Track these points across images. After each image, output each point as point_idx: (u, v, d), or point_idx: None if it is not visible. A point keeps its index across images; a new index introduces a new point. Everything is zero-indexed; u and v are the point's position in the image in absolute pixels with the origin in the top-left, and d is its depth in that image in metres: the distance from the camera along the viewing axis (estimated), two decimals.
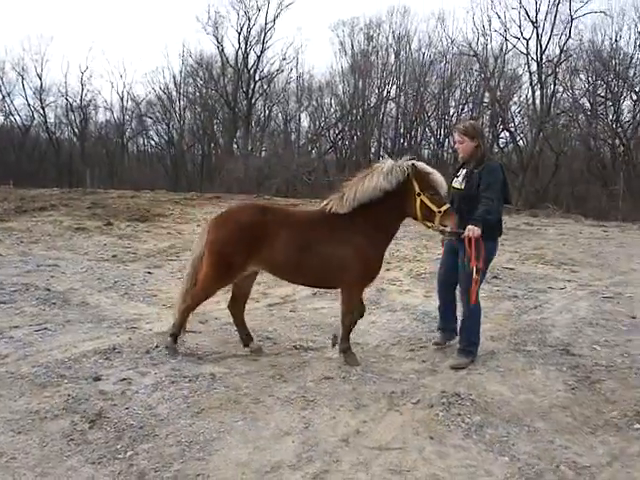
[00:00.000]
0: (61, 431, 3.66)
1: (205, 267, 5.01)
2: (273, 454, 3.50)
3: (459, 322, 5.42)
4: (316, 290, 7.56)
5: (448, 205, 4.78)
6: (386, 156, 5.38)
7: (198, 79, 40.24)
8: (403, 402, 4.27)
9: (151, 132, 44.28)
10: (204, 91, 40.20)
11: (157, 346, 5.26)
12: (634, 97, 28.94)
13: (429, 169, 4.84)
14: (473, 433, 3.84)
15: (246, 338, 5.32)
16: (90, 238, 11.54)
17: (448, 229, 4.79)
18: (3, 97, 40.93)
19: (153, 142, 45.24)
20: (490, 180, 4.91)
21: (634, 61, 28.91)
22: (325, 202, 4.99)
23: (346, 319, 5.04)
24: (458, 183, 5.18)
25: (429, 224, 4.80)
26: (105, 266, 8.85)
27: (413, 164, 4.77)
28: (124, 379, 4.50)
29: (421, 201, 4.73)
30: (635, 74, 29.04)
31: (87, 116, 42.67)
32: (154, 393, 4.28)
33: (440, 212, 4.70)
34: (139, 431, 3.70)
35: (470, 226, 4.76)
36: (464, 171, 5.16)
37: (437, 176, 4.78)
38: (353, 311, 5.07)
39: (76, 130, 42.80)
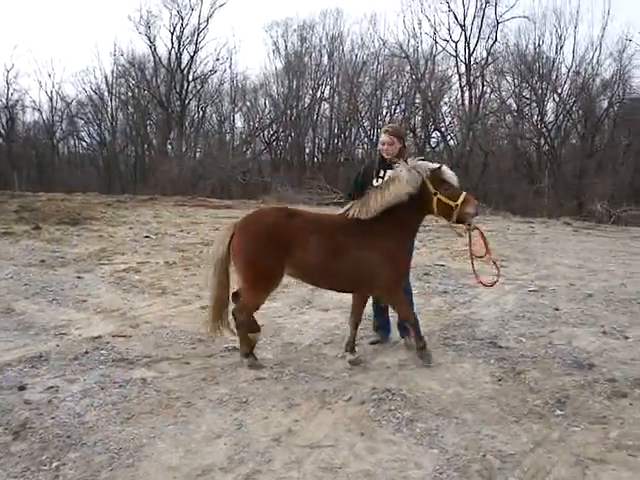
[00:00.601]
0: None
1: (243, 280, 4.93)
2: (204, 457, 3.49)
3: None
4: None
5: (464, 193, 4.91)
6: (401, 162, 5.38)
7: (130, 79, 39.25)
8: (335, 400, 4.32)
9: (82, 133, 42.89)
10: (137, 91, 39.27)
11: (86, 352, 5.14)
12: (557, 99, 30.20)
13: (435, 165, 4.98)
14: (403, 427, 3.92)
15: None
16: (17, 243, 11.11)
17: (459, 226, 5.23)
18: None
19: (85, 143, 43.87)
20: None
21: (556, 64, 30.24)
22: (345, 209, 5.04)
23: (410, 319, 5.18)
24: None
25: (453, 225, 5.09)
26: (32, 271, 8.54)
27: (430, 169, 4.91)
28: (51, 387, 4.38)
29: (438, 199, 4.87)
30: (557, 77, 30.34)
31: (14, 116, 40.96)
32: (82, 400, 4.18)
33: (457, 205, 4.84)
34: (66, 440, 3.62)
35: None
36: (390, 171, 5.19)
37: (445, 169, 4.95)
38: (408, 306, 5.22)
39: (2, 131, 41.03)
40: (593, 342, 5.82)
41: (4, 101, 39.66)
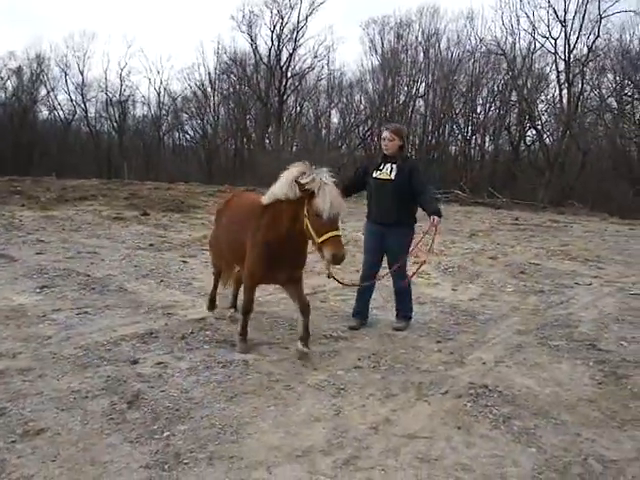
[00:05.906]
0: (101, 410, 3.82)
1: None
2: (304, 439, 3.58)
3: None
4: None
5: (331, 233, 4.23)
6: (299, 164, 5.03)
7: (232, 76, 40.56)
8: (431, 392, 4.33)
9: (186, 127, 45.04)
10: (237, 87, 40.51)
11: (192, 332, 5.42)
12: None
13: (310, 176, 4.42)
14: (501, 424, 3.87)
15: None
16: (127, 227, 11.82)
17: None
18: (47, 92, 42.70)
19: (188, 136, 45.95)
20: (423, 177, 5.72)
21: None
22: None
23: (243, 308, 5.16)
24: (386, 174, 5.65)
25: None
26: (142, 254, 9.06)
27: (298, 180, 4.41)
28: (160, 363, 4.65)
29: (306, 224, 4.37)
30: None
31: (125, 110, 43.62)
32: (189, 377, 4.41)
33: (318, 242, 4.27)
34: (175, 413, 3.83)
35: (436, 217, 5.30)
36: (389, 165, 5.66)
37: (323, 193, 4.29)
38: (247, 298, 5.07)
39: (115, 124, 43.78)
40: None
41: (117, 96, 42.32)
